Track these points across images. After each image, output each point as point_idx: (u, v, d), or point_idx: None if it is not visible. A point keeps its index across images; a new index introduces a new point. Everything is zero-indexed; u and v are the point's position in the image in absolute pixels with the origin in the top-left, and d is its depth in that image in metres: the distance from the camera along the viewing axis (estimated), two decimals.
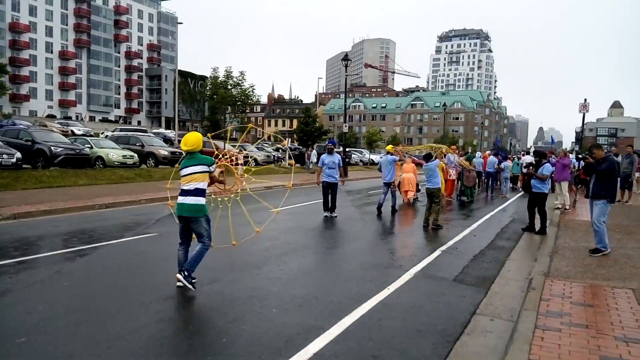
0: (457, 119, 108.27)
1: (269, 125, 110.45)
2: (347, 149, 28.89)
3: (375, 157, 49.75)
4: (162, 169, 21.89)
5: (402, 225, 11.18)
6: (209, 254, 5.69)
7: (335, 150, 12.07)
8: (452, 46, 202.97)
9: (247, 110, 24.10)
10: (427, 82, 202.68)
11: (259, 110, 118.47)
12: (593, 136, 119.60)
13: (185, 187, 5.47)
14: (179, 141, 33.03)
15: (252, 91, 23.58)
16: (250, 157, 28.80)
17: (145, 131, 47.70)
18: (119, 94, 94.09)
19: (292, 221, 10.44)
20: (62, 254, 7.08)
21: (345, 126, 28.11)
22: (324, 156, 11.76)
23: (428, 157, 11.22)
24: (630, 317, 4.63)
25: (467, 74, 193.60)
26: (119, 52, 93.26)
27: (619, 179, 13.83)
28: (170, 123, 74.17)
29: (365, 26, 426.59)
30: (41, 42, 79.33)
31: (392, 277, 6.27)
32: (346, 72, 26.80)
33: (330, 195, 11.31)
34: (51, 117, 63.45)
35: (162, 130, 60.23)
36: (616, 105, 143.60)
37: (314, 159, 26.39)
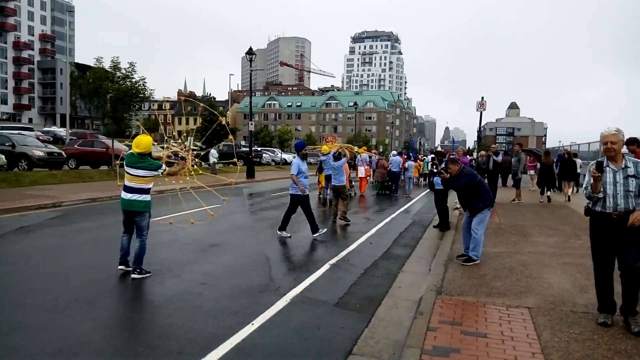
0: (369, 118, 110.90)
1: (179, 123, 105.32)
2: (252, 148, 27.44)
3: (287, 157, 48.85)
4: (35, 173, 19.09)
5: (298, 231, 10.13)
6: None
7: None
8: (364, 47, 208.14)
9: (139, 107, 21.70)
10: (342, 82, 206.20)
11: (168, 107, 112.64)
12: (493, 135, 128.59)
13: (131, 185, 5.95)
14: (72, 140, 29.62)
15: (144, 85, 21.26)
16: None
17: (31, 129, 42.76)
18: (7, 88, 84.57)
19: (168, 234, 8.99)
20: None
21: (251, 124, 26.67)
22: (297, 162, 9.41)
23: (338, 157, 11.79)
24: (527, 351, 3.90)
25: (379, 75, 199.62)
26: (5, 42, 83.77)
27: (499, 176, 14.34)
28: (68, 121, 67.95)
29: (281, 24, 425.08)
30: None
31: (263, 306, 5.16)
32: (250, 66, 25.39)
33: (305, 210, 9.31)
34: None
35: (54, 128, 54.74)
36: (513, 106, 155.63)
37: (212, 159, 24.70)
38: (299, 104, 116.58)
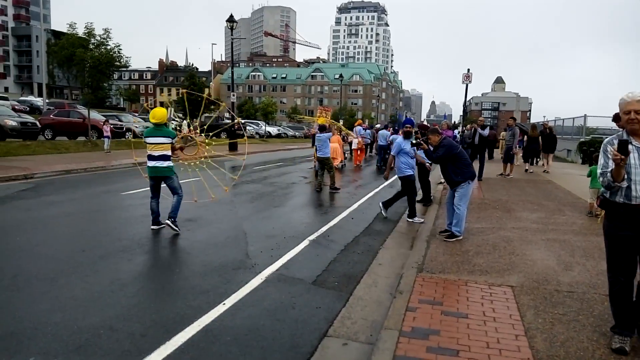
0: (355, 91, 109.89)
1: (162, 93, 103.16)
2: (234, 121, 26.84)
3: (272, 129, 48.20)
4: (8, 143, 18.40)
5: (280, 206, 9.85)
6: None
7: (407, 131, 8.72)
8: (351, 18, 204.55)
9: (118, 76, 21.02)
10: (328, 53, 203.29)
11: (149, 77, 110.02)
12: (479, 110, 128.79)
13: (154, 154, 6.80)
14: (49, 109, 28.55)
15: (119, 52, 20.37)
16: (126, 129, 25.70)
17: (5, 98, 41.26)
18: None
19: (142, 207, 8.64)
20: None
21: (233, 95, 26.00)
22: (400, 141, 8.50)
23: (322, 129, 12.28)
24: (510, 333, 3.72)
25: (366, 47, 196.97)
26: None
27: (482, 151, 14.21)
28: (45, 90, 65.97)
29: None
30: None
31: (236, 285, 4.91)
32: (232, 35, 24.56)
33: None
34: None
35: (30, 97, 52.96)
36: (499, 80, 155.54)
37: (185, 130, 24.08)
38: (283, 75, 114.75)
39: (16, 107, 36.86)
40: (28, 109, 38.92)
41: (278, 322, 4.08)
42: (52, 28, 65.97)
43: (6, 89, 79.11)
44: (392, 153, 8.76)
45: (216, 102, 20.25)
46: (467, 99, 26.32)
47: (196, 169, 8.18)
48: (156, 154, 6.86)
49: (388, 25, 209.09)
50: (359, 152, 19.66)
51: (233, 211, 8.92)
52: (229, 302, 4.45)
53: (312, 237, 7.05)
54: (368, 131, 22.98)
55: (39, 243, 6.22)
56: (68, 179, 12.69)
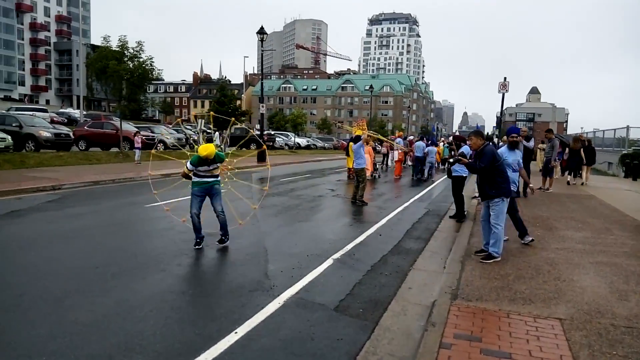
0: (386, 102, 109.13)
1: (195, 106, 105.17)
2: (263, 132, 26.78)
3: (301, 141, 48.10)
4: (42, 154, 18.74)
5: (304, 221, 9.45)
6: None
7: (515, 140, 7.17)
8: (382, 30, 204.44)
9: (154, 89, 21.41)
10: (359, 65, 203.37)
11: (183, 90, 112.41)
12: (513, 120, 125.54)
13: (207, 174, 6.83)
14: (85, 121, 29.26)
15: (151, 64, 20.60)
16: (158, 140, 25.96)
17: (45, 110, 42.70)
18: (24, 69, 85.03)
19: (164, 221, 8.40)
20: None
21: (263, 107, 25.91)
22: (503, 150, 7.21)
23: (357, 139, 11.90)
24: None
25: (397, 58, 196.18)
26: (22, 24, 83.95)
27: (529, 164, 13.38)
28: (84, 102, 68.28)
29: (297, 6, 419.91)
30: None
31: (252, 309, 4.52)
32: (262, 46, 24.56)
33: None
34: None
35: (69, 109, 54.73)
36: (534, 91, 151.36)
37: (217, 141, 24.14)
38: (314, 87, 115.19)
39: (55, 118, 38.09)
40: (66, 120, 40.15)
41: (294, 356, 3.65)
42: (91, 42, 68.47)
43: (47, 102, 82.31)
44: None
45: (245, 114, 20.08)
46: (503, 108, 25.40)
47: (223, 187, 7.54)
48: (209, 175, 6.85)
49: (419, 37, 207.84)
50: (398, 163, 20.01)
51: (256, 225, 8.57)
52: (242, 330, 4.05)
53: (336, 256, 6.61)
54: (399, 139, 22.84)
55: (52, 259, 6.01)
56: (95, 190, 12.68)
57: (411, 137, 26.42)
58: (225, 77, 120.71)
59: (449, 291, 4.98)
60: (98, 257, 6.17)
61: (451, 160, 7.31)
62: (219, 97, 34.13)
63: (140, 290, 4.94)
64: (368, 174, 15.49)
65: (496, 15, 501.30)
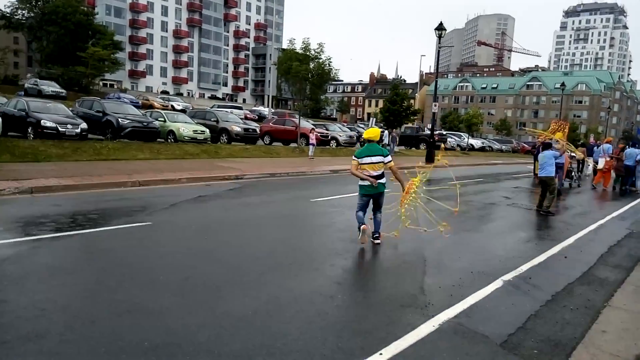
0: (580, 102, 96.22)
1: (369, 105, 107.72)
2: (433, 132, 25.74)
3: (475, 142, 45.24)
4: (232, 146, 21.02)
5: (471, 230, 8.55)
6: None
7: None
8: (579, 22, 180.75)
9: (334, 89, 22.57)
10: (549, 61, 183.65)
11: (360, 90, 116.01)
12: None
13: (376, 173, 6.69)
14: (272, 117, 32.36)
15: (329, 64, 21.43)
16: (330, 137, 27.12)
17: (240, 108, 48.33)
18: (227, 72, 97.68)
19: (324, 217, 8.42)
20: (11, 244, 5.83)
21: (435, 105, 24.88)
22: None
23: (546, 146, 11.06)
24: None
25: (596, 53, 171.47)
26: (228, 32, 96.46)
27: None
28: (273, 101, 75.67)
29: (482, 2, 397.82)
30: (157, 21, 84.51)
31: (401, 329, 4.04)
32: (439, 43, 23.55)
33: None
34: (165, 93, 67.41)
35: (260, 108, 61.05)
36: None
37: (386, 140, 23.87)
38: (494, 85, 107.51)
39: (248, 115, 42.75)
40: (257, 117, 44.71)
41: None
42: (282, 47, 75.39)
43: (244, 100, 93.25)
44: None
45: (416, 113, 19.50)
46: None
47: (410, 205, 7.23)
48: (377, 173, 6.70)
49: (627, 28, 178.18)
50: (604, 172, 17.05)
51: (415, 230, 8.00)
52: (387, 352, 3.61)
53: (507, 277, 5.68)
54: (608, 146, 19.61)
55: (222, 245, 6.40)
56: (270, 182, 13.57)
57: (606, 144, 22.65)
58: (401, 77, 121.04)
59: None
60: (261, 247, 6.37)
61: None
62: (391, 96, 34.10)
63: (291, 288, 4.87)
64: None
65: None
